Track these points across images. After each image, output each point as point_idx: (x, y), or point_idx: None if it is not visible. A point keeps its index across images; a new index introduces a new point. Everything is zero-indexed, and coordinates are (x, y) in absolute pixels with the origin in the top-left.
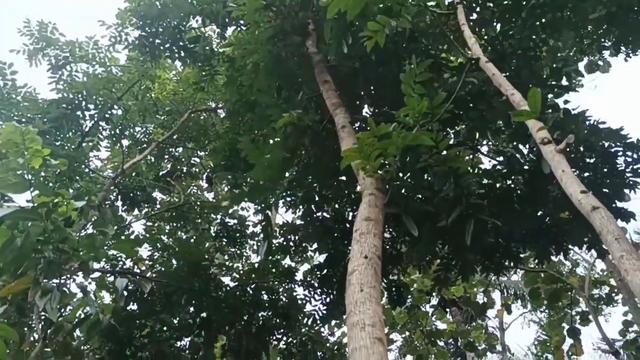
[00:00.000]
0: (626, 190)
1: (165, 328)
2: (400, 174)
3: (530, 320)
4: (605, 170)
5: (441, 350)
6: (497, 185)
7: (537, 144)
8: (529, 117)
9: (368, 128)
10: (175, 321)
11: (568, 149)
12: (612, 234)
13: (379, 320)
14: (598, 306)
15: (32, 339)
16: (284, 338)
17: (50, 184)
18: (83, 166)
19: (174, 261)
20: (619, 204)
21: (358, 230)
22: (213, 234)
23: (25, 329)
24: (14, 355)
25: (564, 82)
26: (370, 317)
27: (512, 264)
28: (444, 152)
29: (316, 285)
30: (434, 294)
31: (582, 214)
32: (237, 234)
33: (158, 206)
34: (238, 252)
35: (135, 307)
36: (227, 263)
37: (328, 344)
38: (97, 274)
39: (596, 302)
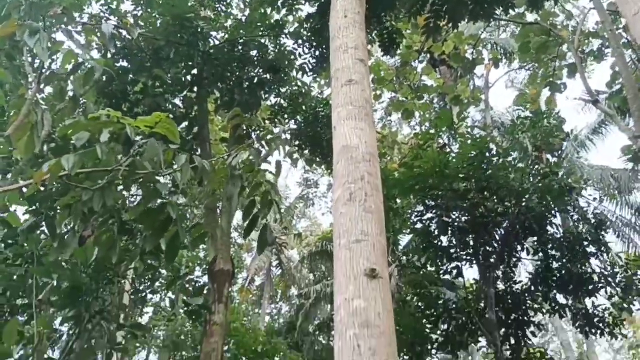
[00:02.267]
0: None
1: (158, 84)
2: None
3: (513, 79)
4: None
5: (425, 104)
6: None
7: None
8: None
9: None
10: (168, 77)
11: None
12: None
13: (362, 44)
14: (587, 61)
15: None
16: (275, 92)
17: None
18: None
19: (158, 17)
20: None
21: None
22: None
23: (22, 81)
24: (15, 101)
25: None
26: (353, 40)
27: (502, 10)
28: None
29: (306, 38)
30: (423, 53)
31: None
32: None
33: None
34: (224, 9)
35: (125, 63)
36: (213, 19)
37: (317, 99)
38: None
39: (585, 56)
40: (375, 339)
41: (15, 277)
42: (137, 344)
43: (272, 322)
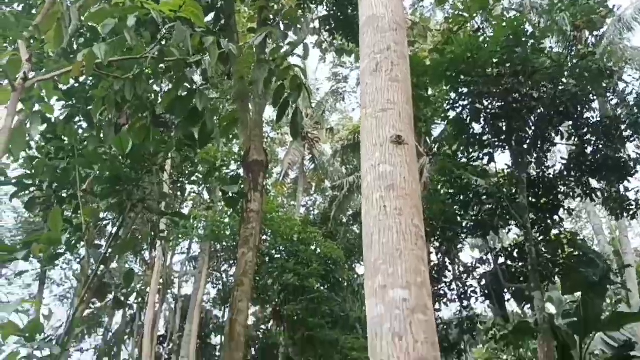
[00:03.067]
0: None
1: None
2: None
3: None
4: None
5: None
6: None
7: None
8: None
9: None
10: None
11: None
12: None
13: None
14: None
15: None
16: None
17: None
18: None
19: None
20: None
21: None
22: None
23: None
24: None
25: None
26: None
27: None
28: None
29: None
30: None
31: None
32: None
33: None
34: None
35: None
36: None
37: None
38: None
39: None
40: (401, 200)
41: (59, 170)
42: (180, 236)
43: (307, 214)
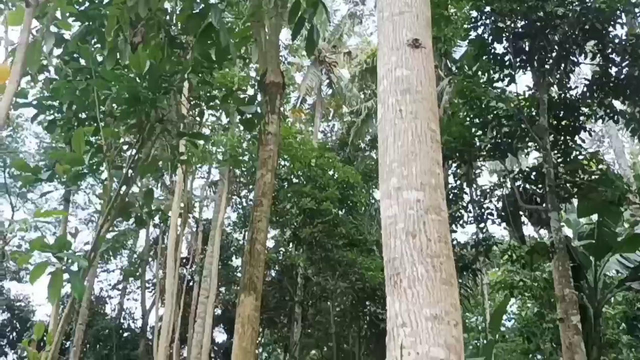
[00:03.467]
0: None
1: None
2: None
3: None
4: None
5: None
6: None
7: None
8: None
9: None
10: None
11: None
12: None
13: None
14: None
15: None
16: None
17: None
18: None
19: None
20: None
21: None
22: None
23: None
24: None
25: None
26: None
27: None
28: None
29: None
30: None
31: None
32: None
33: None
34: None
35: None
36: None
37: None
38: None
39: None
40: (417, 103)
41: (77, 91)
42: (199, 160)
43: (324, 139)
